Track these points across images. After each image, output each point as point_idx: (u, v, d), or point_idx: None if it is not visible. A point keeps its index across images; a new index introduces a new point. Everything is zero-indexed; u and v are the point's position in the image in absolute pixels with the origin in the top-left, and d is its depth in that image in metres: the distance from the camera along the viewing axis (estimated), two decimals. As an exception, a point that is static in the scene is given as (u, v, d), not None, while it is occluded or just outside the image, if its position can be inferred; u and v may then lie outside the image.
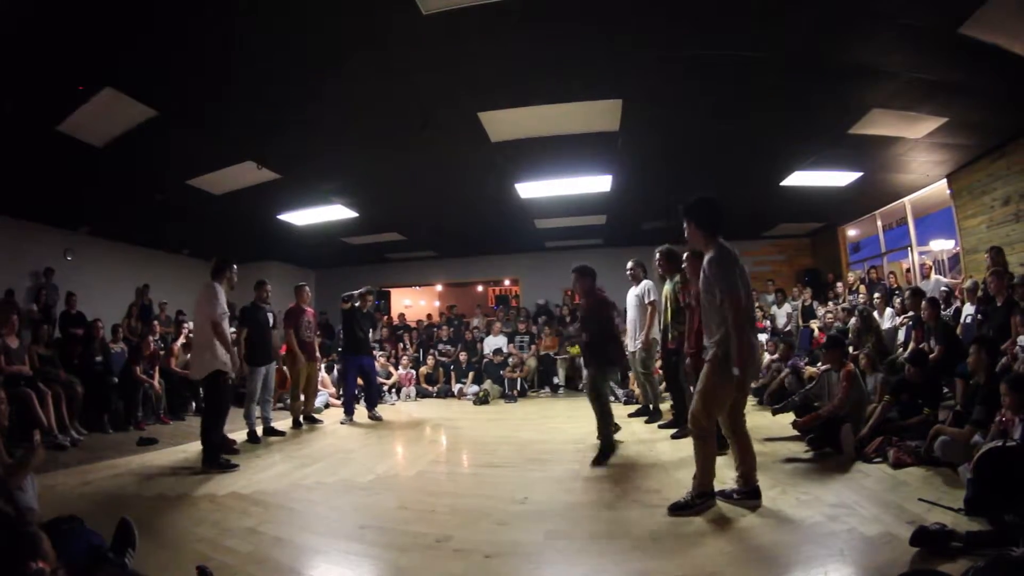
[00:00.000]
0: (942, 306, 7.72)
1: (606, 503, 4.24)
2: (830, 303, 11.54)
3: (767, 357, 9.13)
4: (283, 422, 8.04)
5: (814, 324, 11.04)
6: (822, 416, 5.45)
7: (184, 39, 4.98)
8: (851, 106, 6.83)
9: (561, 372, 12.09)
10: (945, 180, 9.63)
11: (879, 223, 12.66)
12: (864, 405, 5.70)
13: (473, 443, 7.09)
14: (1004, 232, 8.32)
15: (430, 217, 11.86)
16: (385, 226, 12.36)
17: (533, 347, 12.62)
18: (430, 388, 12.01)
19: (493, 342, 12.63)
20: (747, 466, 4.00)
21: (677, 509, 3.82)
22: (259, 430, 7.21)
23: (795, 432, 5.71)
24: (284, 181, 8.68)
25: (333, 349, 11.87)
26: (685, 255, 5.98)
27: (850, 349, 7.50)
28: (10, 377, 6.53)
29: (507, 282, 18.70)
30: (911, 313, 7.73)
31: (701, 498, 3.86)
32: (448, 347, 13.14)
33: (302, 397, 8.39)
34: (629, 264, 7.80)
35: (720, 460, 4.11)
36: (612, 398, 6.31)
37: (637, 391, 8.60)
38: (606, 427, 5.73)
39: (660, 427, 7.01)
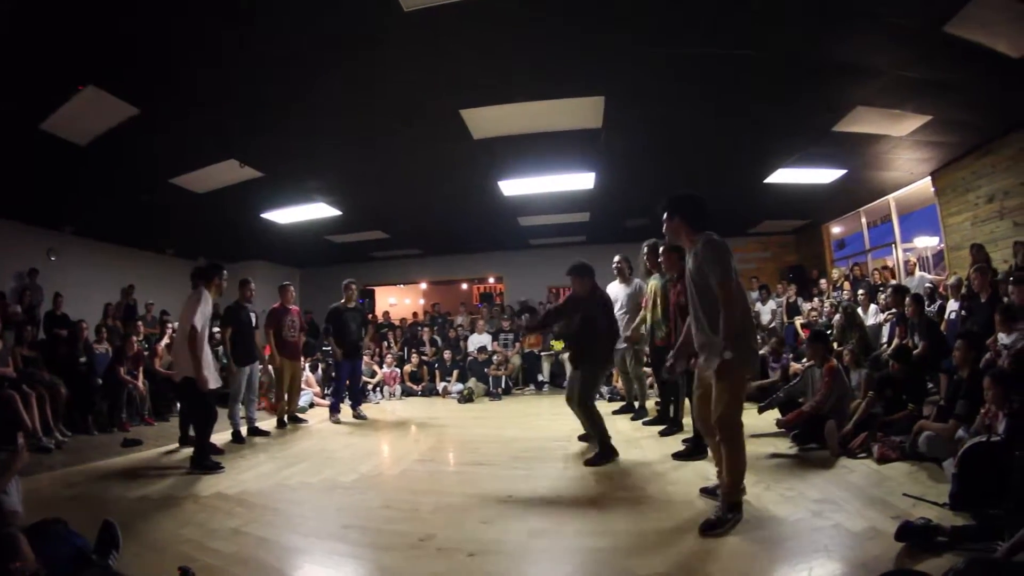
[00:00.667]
0: (926, 302, 7.77)
1: (591, 501, 4.23)
2: (815, 299, 11.59)
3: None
4: (267, 422, 8.00)
5: (799, 321, 11.08)
6: (806, 413, 5.46)
7: (166, 37, 4.93)
8: (835, 104, 6.86)
9: (546, 369, 12.11)
10: (929, 178, 9.71)
11: (863, 220, 12.74)
12: (848, 401, 5.71)
13: (457, 441, 7.08)
14: (988, 229, 8.40)
15: (413, 215, 11.84)
16: (368, 224, 12.33)
17: (517, 344, 12.62)
18: (415, 387, 11.99)
19: (477, 340, 12.62)
20: (718, 461, 3.99)
21: (710, 528, 3.37)
22: (243, 430, 7.16)
23: (779, 428, 5.72)
24: (267, 179, 8.64)
25: (317, 348, 11.82)
26: (661, 249, 5.94)
27: (834, 345, 7.53)
28: (-6, 379, 6.44)
29: (491, 280, 18.67)
30: (894, 310, 7.77)
31: (732, 511, 3.50)
32: (430, 348, 13.15)
33: (286, 397, 8.33)
34: (616, 258, 7.74)
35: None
36: (596, 396, 6.21)
37: (621, 387, 8.60)
38: (602, 431, 5.44)
39: (644, 424, 7.02)
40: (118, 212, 10.16)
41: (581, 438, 6.15)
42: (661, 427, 6.55)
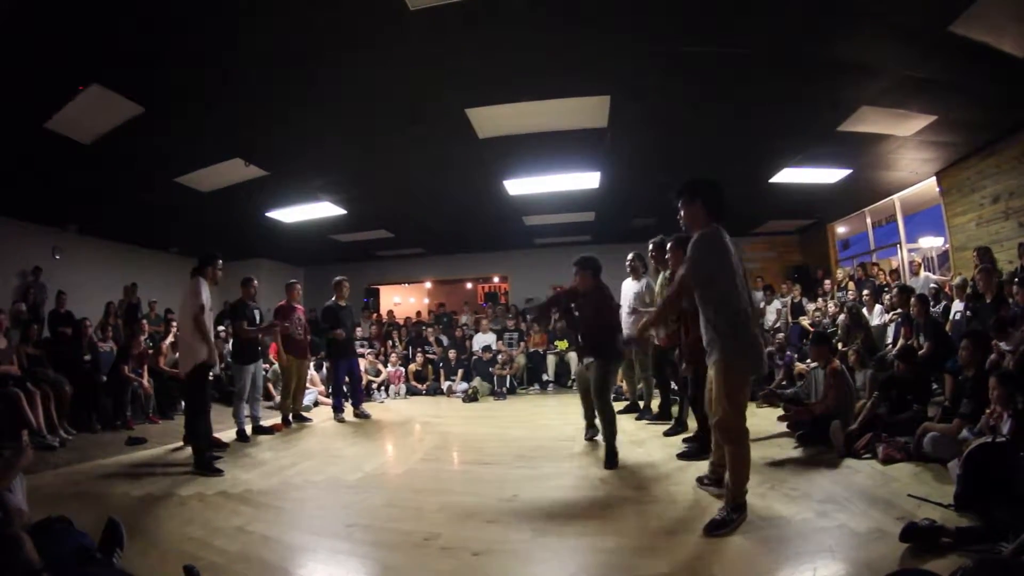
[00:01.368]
0: (931, 303, 7.75)
1: (596, 501, 4.23)
2: (819, 300, 11.56)
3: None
4: (272, 420, 7.98)
5: (803, 321, 11.05)
6: (814, 412, 5.45)
7: (171, 35, 4.93)
8: (841, 103, 6.84)
9: (551, 368, 12.06)
10: (934, 178, 9.68)
11: (868, 220, 12.71)
12: (853, 401, 5.70)
13: (462, 441, 7.06)
14: (993, 230, 8.37)
15: (418, 214, 11.85)
16: (373, 223, 12.34)
17: (522, 344, 12.59)
18: (419, 386, 11.96)
19: (482, 339, 12.60)
20: (717, 457, 4.00)
21: (714, 528, 3.35)
22: (248, 429, 7.16)
23: (784, 429, 5.71)
24: (272, 178, 8.65)
25: (321, 347, 11.82)
26: (668, 245, 5.81)
27: (839, 345, 7.51)
28: (-1, 377, 6.47)
29: (496, 279, 18.64)
30: (899, 310, 7.75)
31: (737, 511, 3.47)
32: (437, 347, 13.12)
33: (290, 395, 8.33)
34: (629, 256, 7.66)
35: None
36: (614, 389, 6.08)
37: (625, 387, 8.59)
38: (612, 434, 5.26)
39: (647, 422, 7.03)
40: (122, 211, 10.17)
41: (587, 438, 6.15)
42: (665, 426, 6.53)
